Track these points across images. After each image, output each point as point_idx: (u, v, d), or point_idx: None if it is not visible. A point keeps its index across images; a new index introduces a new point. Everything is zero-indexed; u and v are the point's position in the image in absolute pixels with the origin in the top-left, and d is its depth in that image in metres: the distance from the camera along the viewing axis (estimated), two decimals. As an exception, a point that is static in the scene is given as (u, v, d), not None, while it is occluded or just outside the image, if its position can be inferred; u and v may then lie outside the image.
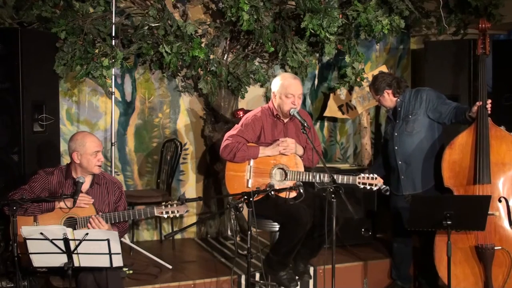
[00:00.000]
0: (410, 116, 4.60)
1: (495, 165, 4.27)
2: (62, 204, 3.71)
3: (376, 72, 5.89)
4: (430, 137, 4.58)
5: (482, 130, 4.28)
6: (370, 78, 5.86)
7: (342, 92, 5.95)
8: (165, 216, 3.81)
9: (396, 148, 4.65)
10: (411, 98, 4.63)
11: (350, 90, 5.96)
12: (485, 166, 4.24)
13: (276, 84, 4.28)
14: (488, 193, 4.21)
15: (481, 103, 4.30)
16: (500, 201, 4.22)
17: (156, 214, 3.82)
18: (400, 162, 4.64)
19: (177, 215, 3.83)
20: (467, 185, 4.32)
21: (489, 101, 4.33)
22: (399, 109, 4.67)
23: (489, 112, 4.33)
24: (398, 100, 4.67)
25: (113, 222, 3.79)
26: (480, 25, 4.51)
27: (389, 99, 4.68)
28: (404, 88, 4.68)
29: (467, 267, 4.30)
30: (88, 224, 3.70)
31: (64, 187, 3.81)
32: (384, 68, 5.91)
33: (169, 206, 3.80)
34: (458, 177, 4.37)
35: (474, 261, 4.28)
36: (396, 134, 4.66)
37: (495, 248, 4.20)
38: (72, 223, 3.73)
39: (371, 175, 4.17)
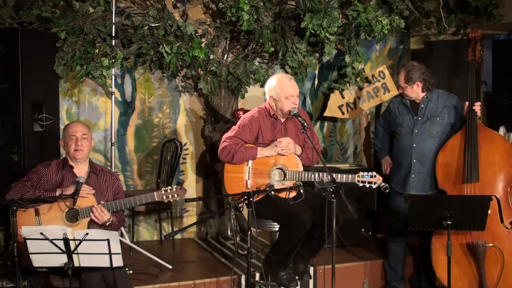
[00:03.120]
0: (438, 119, 4.54)
1: (486, 164, 4.31)
2: (65, 190, 3.73)
3: (376, 72, 5.91)
4: (445, 141, 4.55)
5: (471, 131, 4.33)
6: (371, 78, 5.87)
7: (345, 92, 5.93)
8: (165, 200, 3.81)
9: (414, 145, 4.57)
10: (439, 99, 4.58)
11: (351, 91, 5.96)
12: (473, 164, 4.28)
13: (272, 88, 4.25)
14: (477, 191, 4.26)
15: (468, 103, 4.36)
16: (491, 199, 4.22)
17: (156, 199, 3.81)
18: (414, 161, 4.57)
19: (177, 199, 3.83)
20: (457, 184, 4.35)
21: (478, 103, 4.38)
22: (422, 105, 4.58)
23: (479, 114, 4.37)
24: (425, 97, 4.59)
25: (114, 210, 3.80)
26: (471, 35, 4.58)
27: (416, 91, 4.58)
28: (433, 87, 4.62)
29: (462, 266, 4.31)
30: (91, 214, 3.71)
31: (63, 177, 3.85)
32: (384, 68, 5.91)
33: (169, 190, 3.80)
34: (451, 178, 4.40)
35: (468, 260, 4.30)
36: (416, 131, 4.57)
37: (486, 245, 4.22)
38: (74, 214, 3.74)
39: (370, 173, 4.17)
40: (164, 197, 3.80)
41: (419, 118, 4.59)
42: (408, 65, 4.70)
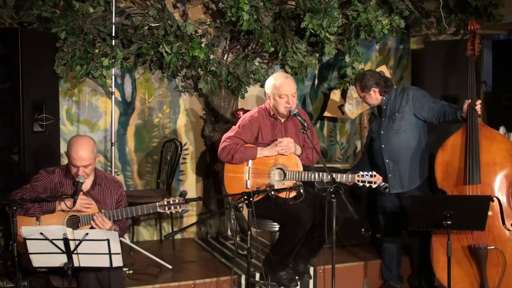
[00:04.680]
0: (397, 114, 4.57)
1: (487, 165, 4.27)
2: (62, 205, 3.71)
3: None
4: (416, 135, 4.57)
5: (472, 131, 4.28)
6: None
7: (341, 93, 5.94)
8: (168, 212, 3.80)
9: (383, 146, 4.62)
10: (397, 96, 4.61)
11: (350, 91, 5.95)
12: (474, 166, 4.24)
13: (268, 86, 4.27)
14: (479, 193, 4.22)
15: (470, 100, 4.31)
16: (492, 200, 4.20)
17: (158, 210, 3.79)
18: (387, 161, 4.61)
19: (179, 210, 3.82)
20: (458, 185, 4.32)
21: (479, 101, 4.33)
22: (384, 107, 4.63)
23: (479, 113, 4.33)
24: (384, 98, 4.63)
25: (115, 219, 3.78)
26: (469, 27, 4.52)
27: (375, 97, 4.63)
28: (390, 88, 4.65)
29: (463, 268, 4.30)
30: (92, 222, 3.69)
31: (65, 186, 3.80)
32: (384, 68, 5.90)
33: (171, 201, 3.79)
34: (451, 178, 4.37)
35: (469, 261, 4.28)
36: (382, 132, 4.63)
37: (488, 248, 4.20)
38: (75, 221, 3.73)
39: (370, 172, 4.17)
40: (166, 208, 3.78)
41: (383, 119, 4.65)
42: (359, 75, 4.77)
